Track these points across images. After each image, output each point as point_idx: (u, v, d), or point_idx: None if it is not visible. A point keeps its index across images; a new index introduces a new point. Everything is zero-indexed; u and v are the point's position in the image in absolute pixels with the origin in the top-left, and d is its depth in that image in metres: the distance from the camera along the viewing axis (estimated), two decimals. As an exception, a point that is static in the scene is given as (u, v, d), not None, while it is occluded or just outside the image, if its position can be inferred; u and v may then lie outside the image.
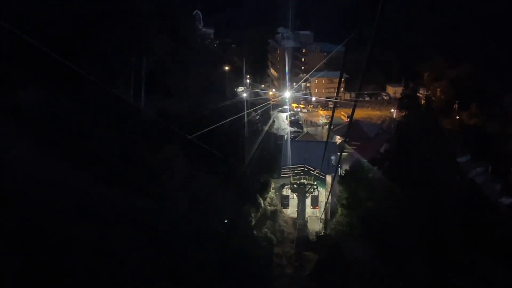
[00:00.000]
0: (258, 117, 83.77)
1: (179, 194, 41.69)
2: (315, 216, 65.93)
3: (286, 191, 67.53)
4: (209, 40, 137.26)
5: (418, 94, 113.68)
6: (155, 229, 24.32)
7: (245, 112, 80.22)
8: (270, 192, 66.23)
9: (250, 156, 62.67)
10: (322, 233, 62.91)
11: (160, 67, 57.53)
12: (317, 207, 65.85)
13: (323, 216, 65.03)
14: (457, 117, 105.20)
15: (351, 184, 62.98)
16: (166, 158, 44.59)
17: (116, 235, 17.28)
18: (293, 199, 66.92)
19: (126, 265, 15.66)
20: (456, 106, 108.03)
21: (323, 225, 64.26)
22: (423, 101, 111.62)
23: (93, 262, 13.95)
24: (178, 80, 60.00)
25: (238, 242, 45.31)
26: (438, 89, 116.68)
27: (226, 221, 47.47)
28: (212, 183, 48.37)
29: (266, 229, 58.40)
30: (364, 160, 72.26)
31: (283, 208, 64.81)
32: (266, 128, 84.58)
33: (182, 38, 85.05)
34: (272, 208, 64.17)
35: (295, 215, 65.69)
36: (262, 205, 62.30)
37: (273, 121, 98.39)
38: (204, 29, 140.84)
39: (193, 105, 57.76)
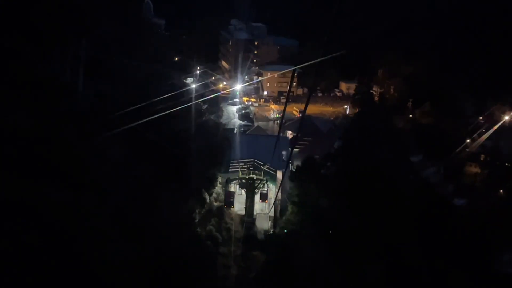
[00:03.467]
0: (206, 106, 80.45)
1: (114, 186, 37.73)
2: (264, 214, 62.71)
3: (234, 187, 63.99)
4: (159, 30, 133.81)
5: (371, 91, 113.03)
6: (66, 225, 19.96)
7: (193, 103, 77.04)
8: (216, 187, 63.28)
9: (197, 148, 58.80)
10: (271, 232, 60.16)
11: (104, 51, 53.86)
12: (266, 200, 62.58)
13: (272, 214, 62.10)
14: (411, 115, 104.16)
15: (303, 180, 60.71)
16: (101, 145, 40.83)
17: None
18: (241, 195, 63.45)
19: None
20: (409, 104, 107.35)
21: (272, 223, 61.38)
22: (376, 98, 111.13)
23: None
24: (123, 66, 56.71)
25: (179, 241, 42.13)
26: (392, 87, 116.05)
27: (166, 217, 43.60)
28: (154, 175, 45.18)
29: (211, 227, 55.67)
30: (317, 156, 69.70)
31: (226, 207, 60.82)
32: (215, 120, 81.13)
33: (130, 24, 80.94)
34: (218, 204, 61.29)
35: (243, 212, 62.26)
36: (208, 200, 59.27)
37: (222, 114, 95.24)
38: (155, 19, 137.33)
39: (138, 92, 54.15)
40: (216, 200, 61.50)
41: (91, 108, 44.49)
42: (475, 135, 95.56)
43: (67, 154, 32.44)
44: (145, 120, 47.49)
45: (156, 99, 55.76)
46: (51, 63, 44.90)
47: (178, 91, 70.61)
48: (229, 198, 61.37)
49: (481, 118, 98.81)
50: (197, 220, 54.21)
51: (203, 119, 75.23)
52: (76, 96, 45.97)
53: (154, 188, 43.86)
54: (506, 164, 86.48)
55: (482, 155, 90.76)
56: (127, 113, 46.96)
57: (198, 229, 52.98)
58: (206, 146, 62.86)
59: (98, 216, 32.43)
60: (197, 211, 55.06)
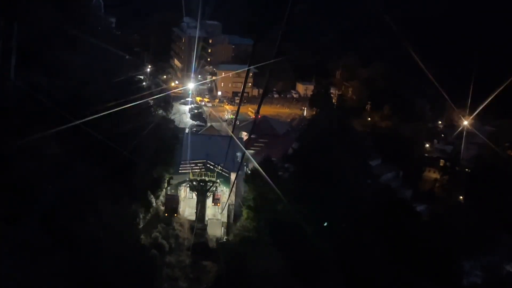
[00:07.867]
0: (155, 104, 76.87)
1: (48, 187, 35.72)
2: (216, 219, 59.73)
3: (184, 190, 60.53)
4: (110, 27, 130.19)
5: (329, 92, 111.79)
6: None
7: (142, 101, 73.29)
8: (164, 190, 59.67)
9: (144, 146, 54.59)
10: (224, 239, 57.14)
11: (42, 41, 50.12)
12: (218, 203, 59.84)
13: (225, 219, 59.35)
14: (369, 118, 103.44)
15: (258, 183, 56.97)
16: (34, 142, 37.13)
17: None
18: (192, 198, 60.33)
19: None
20: (368, 107, 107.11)
21: (225, 230, 58.59)
22: (334, 100, 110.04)
23: None
24: (64, 59, 52.84)
25: (119, 249, 38.61)
26: (350, 89, 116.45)
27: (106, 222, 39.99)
28: (94, 176, 41.82)
29: (157, 234, 51.88)
30: (274, 158, 66.62)
31: (167, 215, 56.47)
32: (165, 117, 77.37)
33: (74, 16, 77.29)
34: (166, 208, 57.67)
35: (193, 217, 58.60)
36: (154, 204, 55.83)
37: (173, 112, 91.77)
38: (105, 17, 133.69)
39: (81, 87, 50.46)
40: (163, 204, 57.87)
41: (23, 101, 40.75)
42: (434, 140, 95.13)
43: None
44: (85, 115, 43.84)
45: (101, 95, 51.80)
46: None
47: (126, 88, 66.82)
48: (172, 204, 56.73)
49: (440, 123, 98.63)
50: (141, 226, 50.53)
51: (152, 117, 71.82)
52: (5, 87, 42.13)
53: (94, 190, 40.75)
54: (466, 169, 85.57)
55: (442, 160, 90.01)
56: (67, 108, 43.15)
57: (142, 236, 49.19)
58: (154, 145, 58.91)
59: (23, 220, 30.20)
60: (141, 215, 51.31)
